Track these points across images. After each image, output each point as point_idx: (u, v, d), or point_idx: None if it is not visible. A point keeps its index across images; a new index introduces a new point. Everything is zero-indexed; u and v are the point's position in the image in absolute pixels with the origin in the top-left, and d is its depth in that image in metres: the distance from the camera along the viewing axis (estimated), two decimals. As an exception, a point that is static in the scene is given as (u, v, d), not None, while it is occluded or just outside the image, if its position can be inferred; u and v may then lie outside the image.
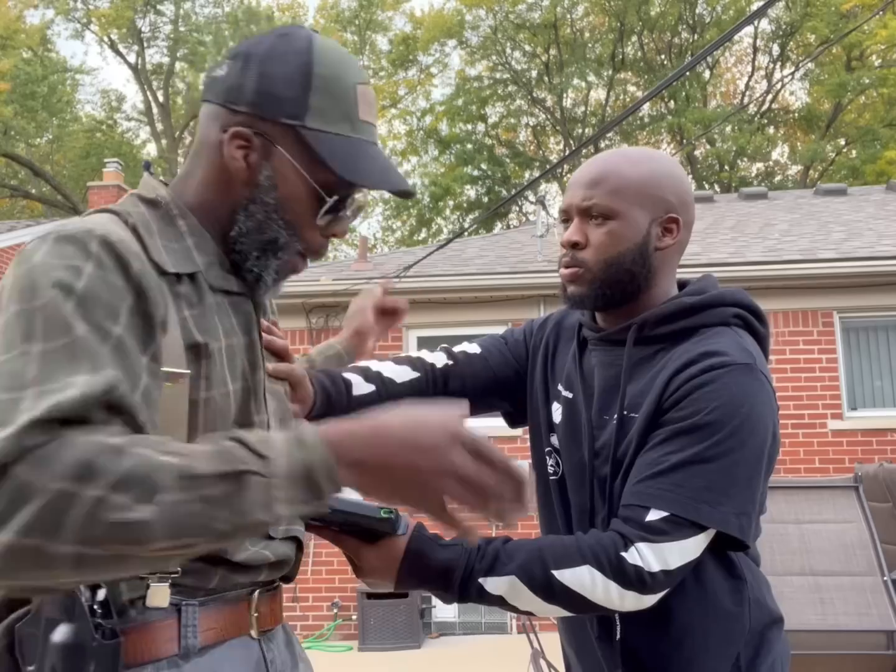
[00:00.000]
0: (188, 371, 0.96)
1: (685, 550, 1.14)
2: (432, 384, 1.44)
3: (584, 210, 1.29)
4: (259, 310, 1.13)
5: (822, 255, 7.48)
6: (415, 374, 1.43)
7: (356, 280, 7.61)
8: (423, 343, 7.88)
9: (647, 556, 1.13)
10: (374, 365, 1.43)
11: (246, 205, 1.05)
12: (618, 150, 1.38)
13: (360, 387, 1.38)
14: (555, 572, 1.15)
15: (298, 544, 1.12)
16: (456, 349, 1.50)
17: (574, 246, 1.29)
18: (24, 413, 0.76)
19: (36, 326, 0.83)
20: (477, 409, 1.42)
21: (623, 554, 1.14)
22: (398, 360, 1.46)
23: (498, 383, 1.48)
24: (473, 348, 1.51)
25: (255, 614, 1.03)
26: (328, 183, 1.04)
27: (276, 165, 1.04)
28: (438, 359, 1.47)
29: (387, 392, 1.39)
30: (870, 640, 3.89)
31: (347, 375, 1.39)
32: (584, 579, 1.14)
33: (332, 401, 1.33)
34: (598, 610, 1.18)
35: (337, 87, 1.05)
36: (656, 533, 1.14)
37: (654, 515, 1.14)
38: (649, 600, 1.16)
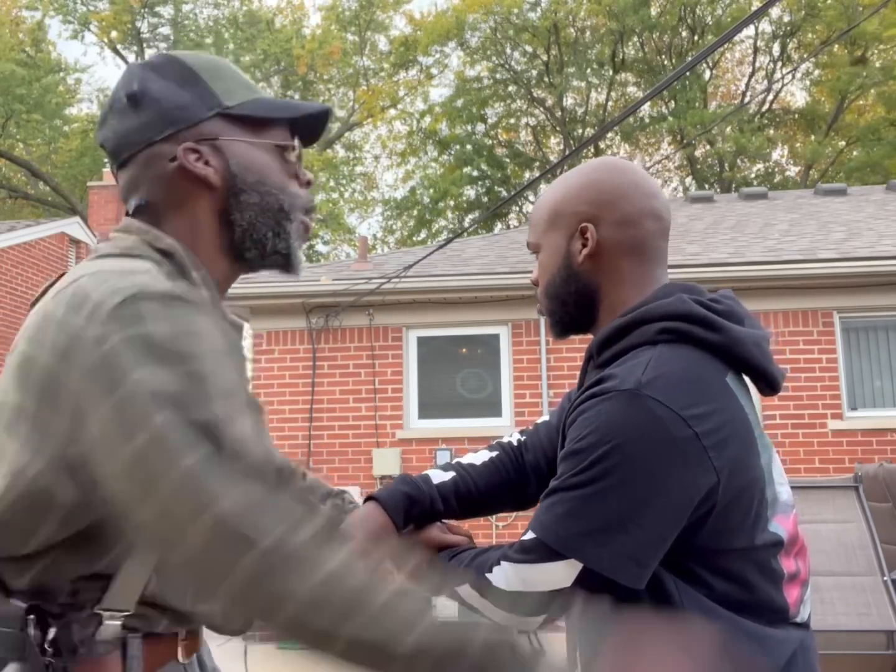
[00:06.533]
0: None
1: (550, 576, 1.10)
2: (512, 458, 1.47)
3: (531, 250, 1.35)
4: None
5: (822, 255, 7.48)
6: (493, 454, 1.47)
7: (356, 280, 7.60)
8: (423, 343, 7.84)
9: (506, 575, 1.14)
10: (452, 460, 1.48)
11: (235, 202, 1.09)
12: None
13: (439, 476, 1.41)
14: (457, 588, 1.21)
15: None
16: (531, 426, 1.54)
17: (536, 285, 1.34)
18: None
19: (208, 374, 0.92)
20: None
21: (487, 575, 1.17)
22: (474, 451, 1.50)
23: None
24: (545, 418, 1.53)
25: (184, 641, 1.10)
26: (275, 136, 1.13)
27: (234, 150, 1.10)
28: (513, 437, 1.52)
29: (468, 475, 1.42)
30: (870, 640, 3.89)
31: (424, 472, 1.43)
32: (473, 597, 1.19)
33: (413, 500, 1.35)
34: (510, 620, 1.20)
35: (220, 70, 1.13)
36: (523, 552, 1.13)
37: (527, 536, 1.14)
38: (531, 622, 1.15)
